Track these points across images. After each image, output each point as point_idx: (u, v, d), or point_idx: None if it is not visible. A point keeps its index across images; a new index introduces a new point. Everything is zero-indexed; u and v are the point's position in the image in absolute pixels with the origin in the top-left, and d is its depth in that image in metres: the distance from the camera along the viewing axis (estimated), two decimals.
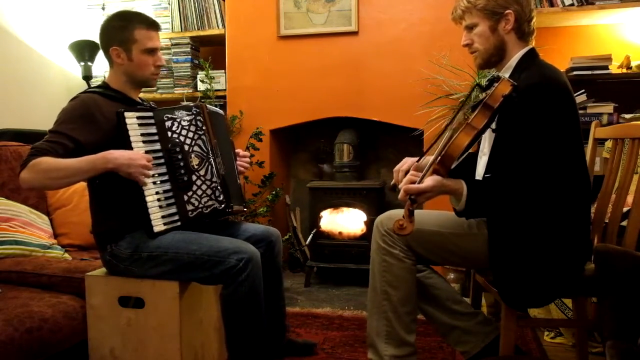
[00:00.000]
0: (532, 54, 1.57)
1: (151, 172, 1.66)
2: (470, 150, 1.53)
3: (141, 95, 1.97)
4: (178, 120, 1.78)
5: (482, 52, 1.59)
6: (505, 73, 1.57)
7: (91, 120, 1.68)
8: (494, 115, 1.41)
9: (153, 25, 1.81)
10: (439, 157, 1.40)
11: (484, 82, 1.60)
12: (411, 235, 1.56)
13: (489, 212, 1.54)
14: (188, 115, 1.81)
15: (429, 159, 1.48)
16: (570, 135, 1.47)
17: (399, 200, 1.42)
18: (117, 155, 1.60)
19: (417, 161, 1.57)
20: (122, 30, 1.76)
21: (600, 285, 1.49)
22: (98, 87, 1.84)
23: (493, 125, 1.48)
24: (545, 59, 1.58)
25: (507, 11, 1.53)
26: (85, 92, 1.80)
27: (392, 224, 1.39)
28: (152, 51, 1.80)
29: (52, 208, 2.51)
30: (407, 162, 1.61)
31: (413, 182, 1.40)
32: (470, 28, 1.59)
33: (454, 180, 1.44)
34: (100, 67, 3.47)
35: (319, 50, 3.17)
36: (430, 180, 1.39)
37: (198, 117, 1.81)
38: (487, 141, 1.64)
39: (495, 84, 1.43)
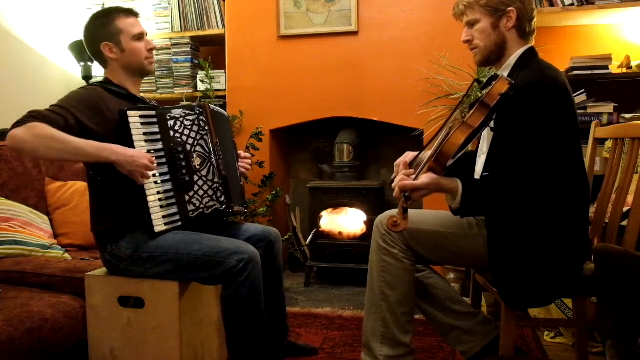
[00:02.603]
0: (531, 53, 1.56)
1: (151, 173, 1.66)
2: (469, 149, 1.53)
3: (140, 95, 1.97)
4: (181, 119, 1.78)
5: (482, 49, 1.59)
6: (505, 71, 1.57)
7: (97, 110, 1.68)
8: (491, 114, 1.41)
9: (131, 12, 1.82)
10: (435, 155, 1.40)
11: (484, 79, 1.60)
12: (411, 235, 1.57)
13: (484, 211, 1.54)
14: (191, 114, 1.81)
15: (428, 153, 1.48)
16: (568, 135, 1.46)
17: (394, 197, 1.42)
18: (121, 151, 1.60)
19: (417, 155, 1.57)
20: (105, 25, 1.77)
21: (600, 285, 1.49)
22: (101, 82, 1.84)
23: (492, 125, 1.48)
24: (545, 58, 1.58)
25: (510, 8, 1.53)
26: (90, 84, 1.80)
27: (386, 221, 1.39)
28: (140, 36, 1.80)
29: (52, 208, 2.50)
30: (408, 155, 1.60)
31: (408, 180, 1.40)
32: (471, 24, 1.59)
33: (449, 178, 1.44)
34: (100, 67, 3.46)
35: (319, 50, 3.17)
36: (425, 178, 1.39)
37: (201, 117, 1.81)
38: (485, 140, 1.64)
39: (493, 82, 1.43)
